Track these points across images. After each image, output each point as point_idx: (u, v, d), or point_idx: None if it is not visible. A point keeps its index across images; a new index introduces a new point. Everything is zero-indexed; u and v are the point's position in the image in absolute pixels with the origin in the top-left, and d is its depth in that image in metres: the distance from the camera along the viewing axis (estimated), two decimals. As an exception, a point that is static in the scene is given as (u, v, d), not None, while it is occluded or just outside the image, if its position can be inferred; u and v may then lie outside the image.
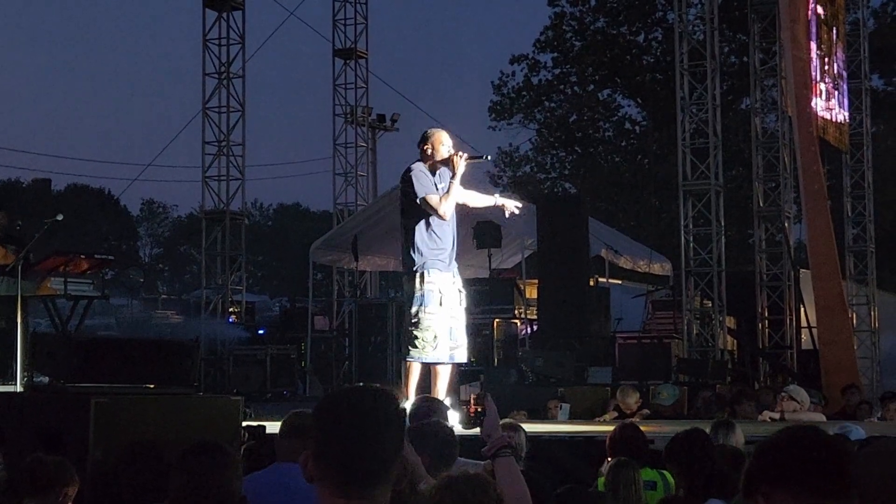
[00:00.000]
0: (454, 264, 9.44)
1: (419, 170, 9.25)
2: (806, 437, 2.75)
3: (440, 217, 9.17)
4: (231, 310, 24.63)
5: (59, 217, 11.90)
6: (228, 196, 24.37)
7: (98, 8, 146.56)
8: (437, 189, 9.20)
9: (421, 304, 9.15)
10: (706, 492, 5.81)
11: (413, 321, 9.19)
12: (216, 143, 24.34)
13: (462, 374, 10.24)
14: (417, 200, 9.15)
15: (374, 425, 2.83)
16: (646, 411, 13.28)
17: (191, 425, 7.51)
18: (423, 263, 9.18)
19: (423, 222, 9.23)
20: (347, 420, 2.84)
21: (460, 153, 9.26)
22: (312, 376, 23.12)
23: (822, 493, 2.64)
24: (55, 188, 66.09)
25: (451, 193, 9.15)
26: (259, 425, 8.47)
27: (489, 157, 10.23)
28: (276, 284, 62.44)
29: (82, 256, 11.81)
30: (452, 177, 9.17)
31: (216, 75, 24.42)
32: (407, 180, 9.26)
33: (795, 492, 2.64)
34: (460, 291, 9.44)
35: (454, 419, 8.30)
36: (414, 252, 9.22)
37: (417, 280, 9.19)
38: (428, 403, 7.37)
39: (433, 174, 9.29)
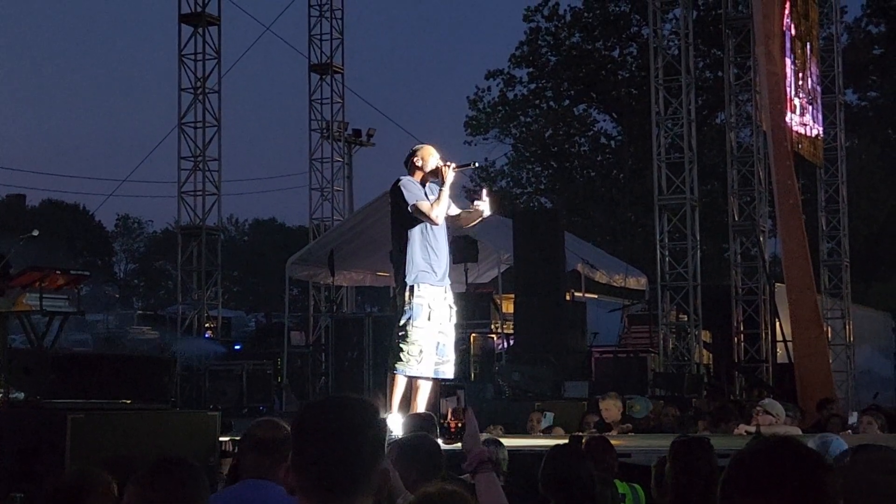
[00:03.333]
0: (447, 280, 9.41)
1: (407, 180, 9.26)
2: (781, 448, 2.74)
3: (432, 222, 9.15)
4: (207, 325, 24.56)
5: (35, 233, 11.86)
6: (204, 211, 24.32)
7: (73, 23, 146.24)
8: (427, 198, 9.20)
9: (409, 318, 9.13)
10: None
11: (400, 334, 9.17)
12: (192, 159, 24.29)
13: (442, 389, 10.20)
14: (409, 209, 9.13)
15: (350, 434, 2.84)
16: (628, 426, 13.25)
17: (167, 440, 7.50)
18: (415, 277, 9.16)
19: (417, 235, 9.21)
20: (323, 429, 2.85)
21: (448, 163, 9.27)
22: (289, 391, 23.06)
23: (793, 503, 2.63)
24: (30, 204, 65.87)
25: (441, 200, 9.14)
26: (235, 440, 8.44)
27: (477, 164, 10.20)
28: (252, 300, 62.32)
29: (58, 272, 11.75)
30: (441, 185, 9.17)
31: (192, 90, 24.38)
32: (396, 192, 9.25)
33: (768, 503, 2.64)
34: (451, 307, 9.42)
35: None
36: (406, 265, 9.19)
37: (407, 293, 9.17)
38: (418, 420, 7.35)
39: (423, 187, 9.30)
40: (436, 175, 9.28)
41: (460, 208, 9.71)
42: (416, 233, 9.22)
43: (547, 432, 12.86)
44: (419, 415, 8.00)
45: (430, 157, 9.34)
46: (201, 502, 3.99)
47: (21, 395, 8.69)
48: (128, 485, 5.29)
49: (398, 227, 9.37)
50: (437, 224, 9.23)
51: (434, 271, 9.25)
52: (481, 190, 9.92)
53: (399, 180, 9.29)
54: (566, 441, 6.66)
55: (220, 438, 8.32)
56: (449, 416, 4.60)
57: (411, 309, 9.14)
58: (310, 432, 2.86)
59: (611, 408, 13.26)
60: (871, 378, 27.71)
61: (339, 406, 2.92)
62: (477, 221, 9.72)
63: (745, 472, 2.71)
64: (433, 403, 9.57)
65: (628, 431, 12.93)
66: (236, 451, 7.90)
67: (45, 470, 6.50)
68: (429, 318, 9.16)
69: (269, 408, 21.52)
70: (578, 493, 5.72)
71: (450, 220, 9.44)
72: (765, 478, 2.66)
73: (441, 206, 9.17)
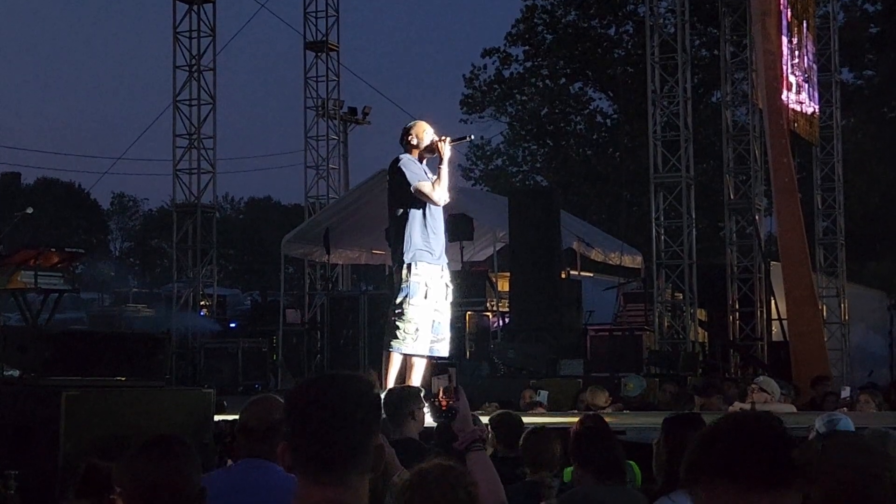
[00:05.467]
0: (444, 258, 9.41)
1: (408, 159, 9.22)
2: (748, 424, 2.67)
3: (434, 203, 9.14)
4: (202, 303, 24.60)
5: (29, 210, 11.89)
6: (199, 189, 24.33)
7: (67, 1, 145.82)
8: (427, 178, 9.18)
9: (406, 296, 9.12)
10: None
11: (397, 312, 9.16)
12: (187, 136, 24.29)
13: (433, 367, 10.21)
14: (411, 189, 9.10)
15: (343, 411, 2.84)
16: (618, 405, 13.25)
17: (162, 418, 7.49)
18: (413, 255, 9.15)
19: (418, 214, 9.18)
20: (315, 406, 2.85)
21: (444, 137, 9.23)
22: (284, 369, 23.09)
23: (764, 483, 2.55)
24: (25, 182, 65.83)
25: (442, 179, 9.11)
26: (234, 420, 8.42)
27: (472, 137, 10.10)
28: (248, 278, 62.23)
29: (52, 250, 11.74)
30: (440, 162, 9.15)
31: (187, 68, 24.36)
32: (397, 171, 9.21)
33: (737, 482, 2.56)
34: (447, 286, 9.41)
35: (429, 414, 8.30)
36: (405, 243, 9.17)
37: (405, 271, 9.16)
38: (400, 392, 7.36)
39: (420, 163, 9.27)
40: (432, 151, 9.25)
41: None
42: (416, 212, 9.20)
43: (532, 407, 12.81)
44: (399, 387, 8.01)
45: (424, 133, 9.31)
46: (194, 479, 3.99)
47: (15, 373, 8.68)
48: (118, 462, 5.29)
49: (397, 206, 9.34)
50: (438, 205, 9.22)
51: (432, 250, 9.24)
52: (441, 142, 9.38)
53: (399, 159, 9.25)
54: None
55: (215, 418, 8.32)
56: (440, 395, 4.60)
57: (408, 287, 9.14)
58: (303, 411, 2.86)
59: (601, 406, 13.08)
60: (865, 356, 27.77)
61: (332, 384, 2.92)
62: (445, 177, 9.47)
63: (708, 452, 2.64)
64: (427, 381, 9.58)
65: (620, 410, 12.93)
66: (230, 431, 7.90)
67: (40, 447, 6.49)
68: (425, 297, 9.15)
69: (265, 385, 21.58)
70: (611, 463, 5.80)
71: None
72: (730, 457, 2.60)
73: (442, 186, 9.15)
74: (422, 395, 8.98)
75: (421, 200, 9.17)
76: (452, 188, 9.61)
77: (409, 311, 9.13)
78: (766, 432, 2.64)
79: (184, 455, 4.02)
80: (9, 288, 11.28)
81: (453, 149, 9.26)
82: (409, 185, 9.10)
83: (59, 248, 12.00)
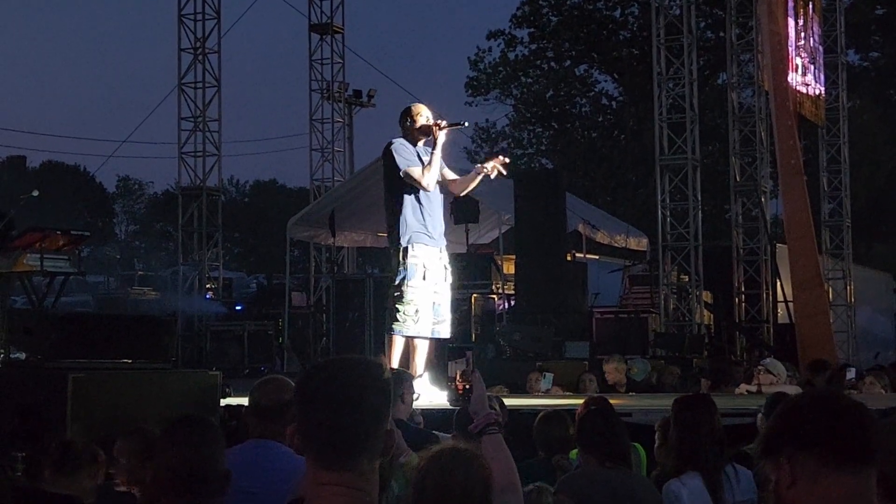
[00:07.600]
0: (443, 240, 9.42)
1: (400, 143, 9.25)
2: (830, 400, 2.73)
3: (423, 188, 9.16)
4: (208, 286, 24.59)
5: (35, 193, 11.87)
6: (205, 172, 24.31)
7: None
8: (420, 161, 9.18)
9: (404, 278, 9.15)
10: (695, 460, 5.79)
11: (395, 294, 9.19)
12: (192, 119, 24.25)
13: (450, 351, 10.21)
14: (400, 174, 9.13)
15: (352, 398, 2.83)
16: (632, 394, 13.25)
17: (169, 400, 7.52)
18: (409, 238, 9.16)
19: (411, 196, 9.21)
20: (325, 393, 2.84)
21: (439, 122, 9.23)
22: (290, 352, 23.09)
23: (846, 457, 2.62)
24: (30, 165, 65.75)
25: (432, 165, 9.13)
26: (239, 405, 8.44)
27: (466, 123, 10.10)
28: (253, 261, 62.22)
29: (58, 233, 11.74)
30: (433, 147, 9.16)
31: (192, 50, 24.32)
32: (388, 155, 9.25)
33: (820, 455, 2.61)
34: (446, 267, 9.43)
35: (436, 396, 8.32)
36: (400, 226, 9.20)
37: (401, 254, 9.18)
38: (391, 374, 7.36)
39: (414, 146, 9.28)
40: (426, 133, 9.26)
41: (457, 173, 9.71)
42: (409, 195, 9.22)
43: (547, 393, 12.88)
44: (395, 370, 8.03)
45: (419, 116, 9.34)
46: (220, 460, 4.01)
47: (22, 355, 8.70)
48: (122, 438, 5.29)
49: (391, 190, 9.38)
50: (428, 191, 9.22)
51: (429, 231, 9.25)
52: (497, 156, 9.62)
53: (391, 143, 9.29)
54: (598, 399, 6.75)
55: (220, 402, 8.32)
56: (458, 378, 4.62)
57: (405, 269, 9.16)
58: (313, 397, 2.86)
59: (612, 371, 13.27)
60: (871, 339, 27.77)
61: (341, 369, 2.91)
62: (472, 186, 9.64)
63: (793, 424, 2.69)
64: (433, 363, 9.59)
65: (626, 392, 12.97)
66: (232, 416, 7.90)
67: (47, 429, 6.51)
68: (424, 278, 9.17)
69: (270, 368, 21.56)
70: (615, 448, 5.81)
71: (441, 184, 9.44)
72: (814, 430, 2.66)
73: (432, 173, 9.17)
74: (422, 376, 9.03)
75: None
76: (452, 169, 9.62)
77: (408, 293, 9.15)
78: (853, 409, 2.69)
79: (210, 436, 4.04)
80: (14, 271, 11.28)
81: (448, 133, 9.26)
82: (399, 169, 9.13)
83: (65, 230, 11.99)
